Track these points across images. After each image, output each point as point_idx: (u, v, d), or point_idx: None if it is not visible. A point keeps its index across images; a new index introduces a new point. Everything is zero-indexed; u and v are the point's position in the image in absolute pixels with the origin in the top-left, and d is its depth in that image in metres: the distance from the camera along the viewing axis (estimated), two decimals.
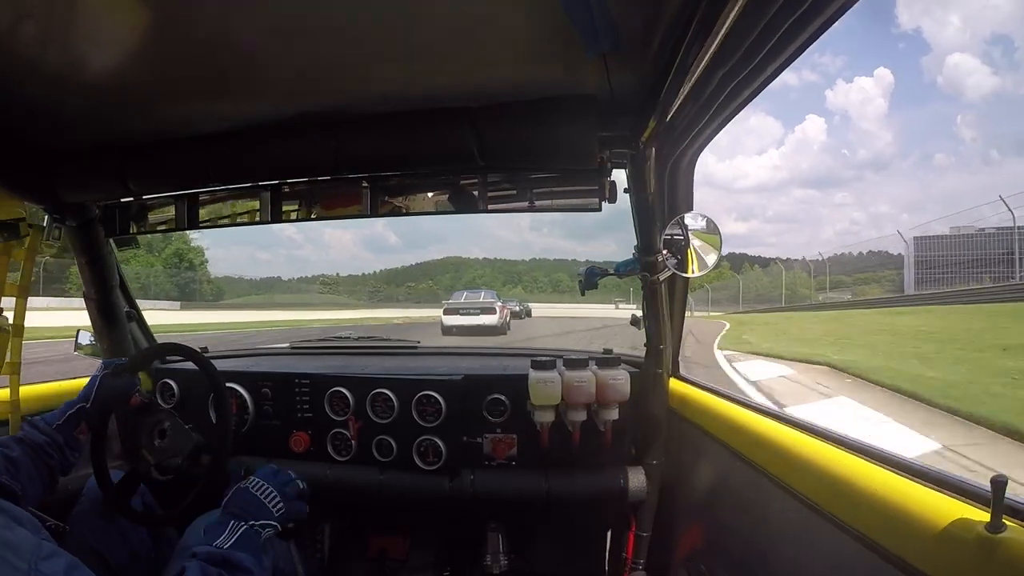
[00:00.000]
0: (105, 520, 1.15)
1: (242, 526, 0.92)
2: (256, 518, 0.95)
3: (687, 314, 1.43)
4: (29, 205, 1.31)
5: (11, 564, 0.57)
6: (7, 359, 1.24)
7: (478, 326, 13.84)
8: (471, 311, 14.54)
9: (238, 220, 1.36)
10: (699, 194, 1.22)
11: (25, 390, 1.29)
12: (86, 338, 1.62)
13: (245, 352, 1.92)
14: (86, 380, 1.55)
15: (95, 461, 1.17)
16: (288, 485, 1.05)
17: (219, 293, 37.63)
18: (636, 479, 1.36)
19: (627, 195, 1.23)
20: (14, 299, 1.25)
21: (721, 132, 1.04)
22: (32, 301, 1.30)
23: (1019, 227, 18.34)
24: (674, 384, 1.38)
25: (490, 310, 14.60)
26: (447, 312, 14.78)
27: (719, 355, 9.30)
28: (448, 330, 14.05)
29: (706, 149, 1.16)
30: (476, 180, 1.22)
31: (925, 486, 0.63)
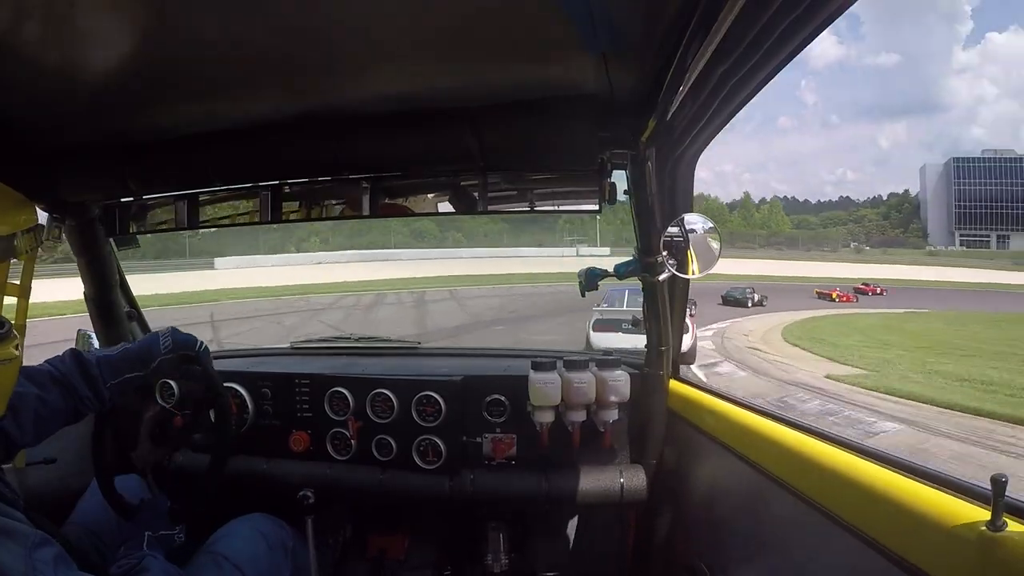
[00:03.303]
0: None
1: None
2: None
3: None
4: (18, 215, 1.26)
5: (9, 549, 0.66)
6: None
7: None
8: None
9: (238, 220, 1.36)
10: None
11: None
12: (86, 338, 1.62)
13: (245, 352, 1.93)
14: None
15: (95, 455, 1.16)
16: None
17: None
18: (636, 479, 1.36)
19: (627, 196, 1.23)
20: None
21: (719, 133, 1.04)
22: None
23: None
24: (674, 385, 1.38)
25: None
26: (601, 327, 8.28)
27: None
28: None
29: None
30: (476, 181, 1.22)
31: (925, 484, 0.63)
